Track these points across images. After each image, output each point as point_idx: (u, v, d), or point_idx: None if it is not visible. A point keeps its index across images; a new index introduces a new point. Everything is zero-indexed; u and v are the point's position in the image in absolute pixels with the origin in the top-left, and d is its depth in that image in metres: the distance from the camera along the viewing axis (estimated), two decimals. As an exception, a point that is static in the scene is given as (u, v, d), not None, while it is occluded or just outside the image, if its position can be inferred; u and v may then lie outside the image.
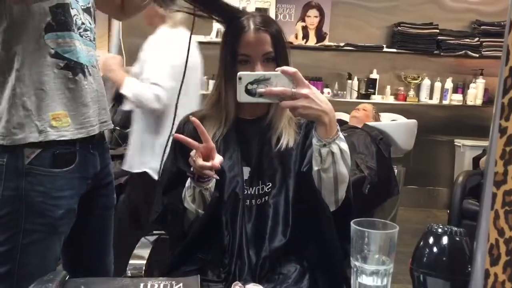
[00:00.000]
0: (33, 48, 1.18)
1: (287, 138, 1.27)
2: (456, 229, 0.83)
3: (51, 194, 1.22)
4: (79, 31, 1.27)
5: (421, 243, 0.85)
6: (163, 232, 1.47)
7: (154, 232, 1.50)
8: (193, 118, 1.15)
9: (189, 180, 1.22)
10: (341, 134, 1.14)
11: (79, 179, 1.29)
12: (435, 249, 0.82)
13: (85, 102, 1.27)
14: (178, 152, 1.31)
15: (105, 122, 1.38)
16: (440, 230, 0.83)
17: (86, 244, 1.44)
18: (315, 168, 1.16)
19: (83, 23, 1.29)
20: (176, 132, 1.35)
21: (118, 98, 3.46)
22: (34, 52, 1.18)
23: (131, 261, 1.34)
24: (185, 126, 1.33)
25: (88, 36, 1.31)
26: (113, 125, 3.41)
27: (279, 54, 1.24)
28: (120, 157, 2.74)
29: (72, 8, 1.25)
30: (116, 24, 4.29)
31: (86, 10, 1.32)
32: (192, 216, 1.25)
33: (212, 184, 1.21)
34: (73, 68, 1.23)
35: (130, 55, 4.11)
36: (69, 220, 1.29)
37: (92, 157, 1.33)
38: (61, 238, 1.28)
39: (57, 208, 1.23)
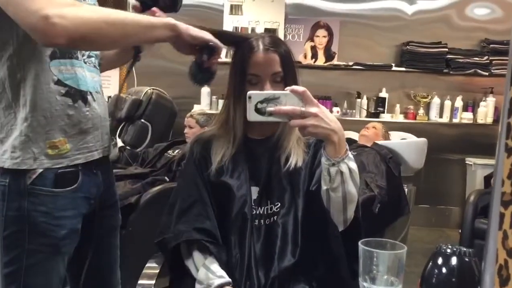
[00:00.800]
0: (38, 75, 1.19)
1: (296, 157, 1.27)
2: (465, 249, 0.82)
3: (53, 214, 1.22)
4: (83, 57, 1.28)
5: (430, 263, 0.84)
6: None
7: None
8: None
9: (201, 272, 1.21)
10: (350, 154, 1.15)
11: (82, 199, 1.29)
12: (444, 270, 0.82)
13: (84, 128, 1.27)
14: (200, 177, 1.29)
15: (107, 147, 1.39)
16: (449, 250, 0.83)
17: (92, 264, 1.43)
18: (324, 187, 1.16)
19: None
20: (188, 154, 1.36)
21: (129, 118, 3.50)
22: (39, 79, 1.19)
23: (140, 281, 1.34)
24: (195, 147, 1.34)
25: (92, 62, 1.32)
26: (123, 144, 3.44)
27: (288, 74, 1.26)
28: (130, 177, 2.76)
29: None
30: None
31: None
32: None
33: None
34: (73, 95, 1.24)
35: (141, 76, 4.16)
36: (72, 241, 1.29)
37: (95, 177, 1.34)
38: (65, 258, 1.28)
39: (59, 228, 1.23)
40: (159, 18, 1.16)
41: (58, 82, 1.21)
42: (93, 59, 1.33)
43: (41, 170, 1.20)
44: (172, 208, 1.30)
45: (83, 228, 1.31)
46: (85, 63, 1.29)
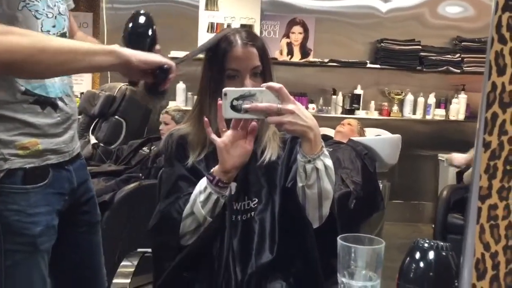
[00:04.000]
0: (3, 88, 1.15)
1: (271, 151, 1.27)
2: (442, 243, 0.83)
3: (26, 212, 1.19)
4: None
5: (408, 258, 0.85)
6: (147, 250, 1.45)
7: (138, 250, 1.48)
8: (205, 119, 1.14)
9: (202, 184, 1.18)
10: (325, 150, 1.15)
11: (54, 195, 1.26)
12: (421, 264, 0.82)
13: (55, 133, 1.25)
14: (176, 159, 1.28)
15: (78, 147, 1.36)
16: (426, 245, 0.83)
17: (76, 263, 1.41)
18: (300, 184, 1.17)
19: None
20: (163, 149, 1.33)
21: (102, 114, 3.45)
22: (4, 92, 1.15)
23: (114, 280, 1.32)
24: (169, 142, 1.32)
25: None
26: (97, 142, 3.38)
27: (266, 68, 1.26)
28: (104, 174, 2.71)
29: None
30: (100, 32, 4.30)
31: (61, 37, 1.27)
32: (196, 224, 1.19)
33: (227, 192, 1.18)
34: (42, 103, 1.21)
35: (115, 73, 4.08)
36: (50, 238, 1.26)
37: (67, 173, 1.31)
38: (44, 256, 1.25)
39: (34, 225, 1.20)
40: (102, 45, 1.13)
41: (26, 92, 1.18)
42: None
43: (9, 168, 1.17)
44: (164, 192, 1.28)
45: (61, 228, 1.28)
46: None
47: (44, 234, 1.23)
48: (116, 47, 1.12)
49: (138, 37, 1.26)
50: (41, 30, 1.20)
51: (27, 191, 1.20)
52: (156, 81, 1.18)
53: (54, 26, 1.25)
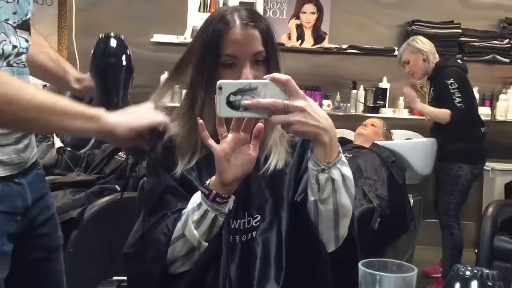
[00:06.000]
0: None
1: (277, 157, 1.28)
2: (487, 271, 0.83)
3: None
4: (7, 60, 1.21)
5: (445, 289, 0.85)
6: (123, 278, 1.45)
7: (114, 278, 1.49)
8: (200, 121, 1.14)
9: (196, 199, 1.18)
10: (343, 157, 1.16)
11: (3, 215, 1.25)
12: (462, 297, 0.83)
13: (4, 144, 1.24)
14: (162, 166, 1.30)
15: (30, 157, 1.36)
16: (468, 273, 0.83)
17: None
18: (311, 198, 1.17)
19: (15, 47, 1.23)
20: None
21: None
22: None
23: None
24: None
25: (22, 61, 1.27)
26: (62, 145, 3.39)
27: (271, 55, 1.26)
28: (72, 185, 2.72)
29: None
30: (68, 22, 4.30)
31: (21, 26, 1.25)
32: (187, 247, 1.19)
33: (227, 209, 1.19)
34: None
35: (84, 58, 4.11)
36: (3, 266, 1.25)
37: (18, 187, 1.30)
38: None
39: None
40: (83, 108, 1.13)
41: None
42: (23, 56, 1.27)
43: None
44: (147, 209, 1.29)
45: (13, 256, 1.28)
46: (12, 65, 1.23)
47: None
48: (101, 114, 1.12)
49: (109, 69, 1.29)
50: None
51: None
52: (145, 145, 1.20)
53: (15, 13, 1.22)
